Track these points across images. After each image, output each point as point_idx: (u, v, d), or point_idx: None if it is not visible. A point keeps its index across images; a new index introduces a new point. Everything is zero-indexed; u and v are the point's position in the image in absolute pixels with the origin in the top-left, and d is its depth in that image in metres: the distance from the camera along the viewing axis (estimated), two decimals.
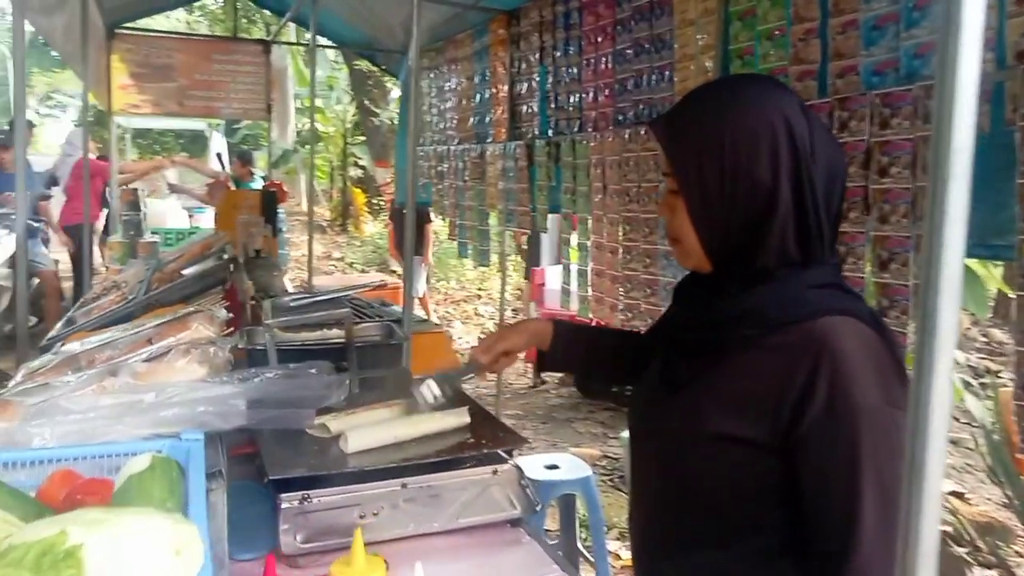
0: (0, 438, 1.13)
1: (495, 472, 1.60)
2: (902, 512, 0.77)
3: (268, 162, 7.22)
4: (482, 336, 9.67)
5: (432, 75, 5.65)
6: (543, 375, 7.38)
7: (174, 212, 9.34)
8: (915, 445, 0.76)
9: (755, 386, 1.10)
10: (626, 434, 4.71)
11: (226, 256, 3.12)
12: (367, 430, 1.58)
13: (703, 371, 1.17)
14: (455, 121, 5.25)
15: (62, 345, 1.99)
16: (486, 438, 1.67)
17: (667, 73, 3.21)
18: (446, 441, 1.67)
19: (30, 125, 7.33)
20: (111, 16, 5.76)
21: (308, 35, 6.65)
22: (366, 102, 12.88)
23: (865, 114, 2.23)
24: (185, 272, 3.02)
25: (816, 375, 1.04)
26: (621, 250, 3.43)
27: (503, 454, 1.65)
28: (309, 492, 1.48)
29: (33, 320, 6.60)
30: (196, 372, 1.45)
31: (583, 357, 1.66)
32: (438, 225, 12.37)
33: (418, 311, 5.53)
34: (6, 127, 6.81)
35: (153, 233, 7.25)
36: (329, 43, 7.07)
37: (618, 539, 4.40)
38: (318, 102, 16.11)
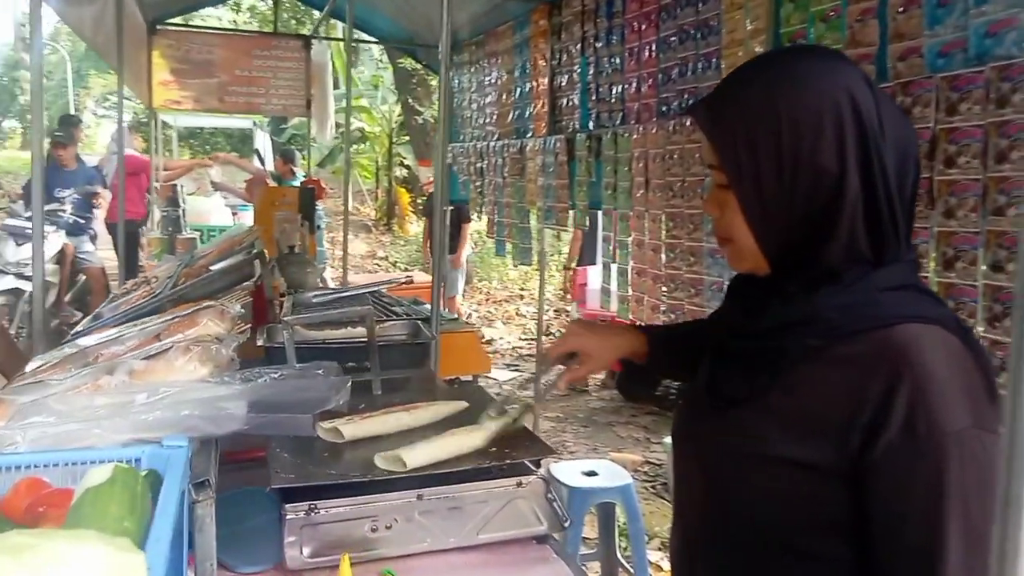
0: None
1: (520, 484, 1.47)
2: (993, 552, 0.66)
3: (308, 158, 7.19)
4: (523, 316, 9.55)
5: (472, 69, 5.54)
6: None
7: (218, 210, 9.40)
8: (1010, 473, 0.64)
9: (819, 404, 0.96)
10: (670, 439, 4.43)
11: (255, 251, 3.03)
12: (424, 445, 1.45)
13: (758, 385, 1.02)
14: (495, 116, 5.14)
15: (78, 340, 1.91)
16: (510, 447, 1.54)
17: (714, 60, 3.05)
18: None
19: (77, 122, 7.44)
20: (152, 12, 5.79)
21: (355, 33, 6.62)
22: (410, 100, 12.84)
23: (930, 99, 2.05)
24: (213, 268, 2.94)
25: (893, 392, 0.90)
26: (664, 248, 3.28)
27: (529, 464, 1.51)
28: (316, 502, 1.37)
29: (78, 316, 6.67)
30: (197, 371, 1.34)
31: (689, 364, 1.32)
32: (478, 224, 12.31)
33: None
34: (57, 130, 6.88)
35: (195, 230, 7.30)
36: (369, 38, 7.01)
37: (659, 549, 4.23)
38: (364, 102, 16.20)
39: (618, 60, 3.70)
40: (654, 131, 3.32)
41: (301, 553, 1.36)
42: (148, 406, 1.06)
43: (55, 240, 6.61)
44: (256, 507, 1.56)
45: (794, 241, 0.99)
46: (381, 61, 17.30)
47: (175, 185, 6.96)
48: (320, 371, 1.27)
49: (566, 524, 1.51)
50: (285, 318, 1.95)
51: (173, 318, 1.71)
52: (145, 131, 7.85)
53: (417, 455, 1.43)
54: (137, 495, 0.79)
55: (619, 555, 3.72)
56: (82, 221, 6.81)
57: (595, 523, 3.78)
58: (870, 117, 0.95)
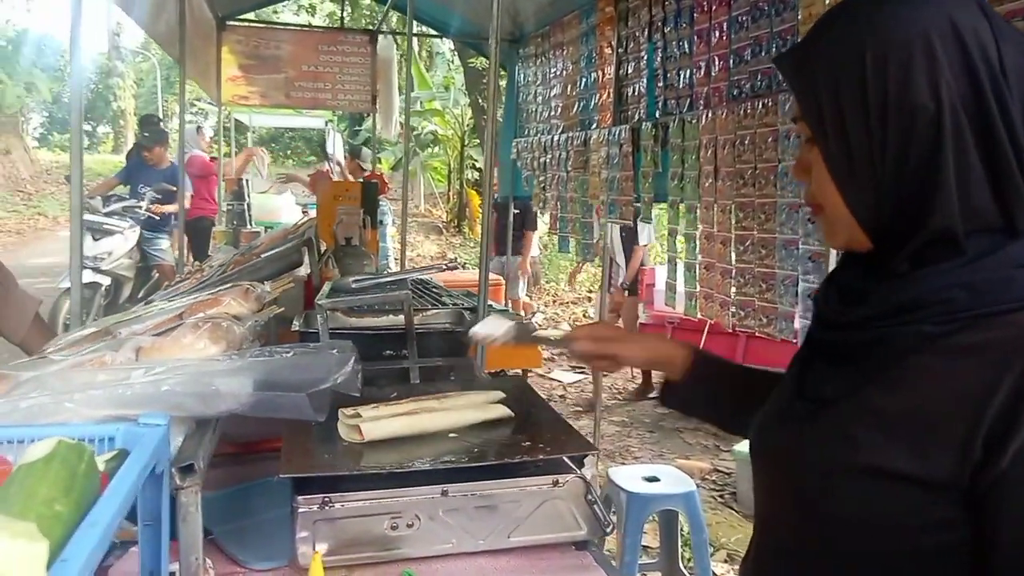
0: None
1: (556, 483, 1.32)
2: None
3: (374, 159, 7.18)
4: (591, 319, 9.36)
5: (538, 62, 5.41)
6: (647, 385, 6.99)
7: (287, 207, 9.51)
8: None
9: (935, 404, 0.78)
10: (741, 447, 4.21)
11: (304, 238, 2.97)
12: (386, 420, 1.34)
13: (857, 382, 0.84)
14: (559, 108, 4.99)
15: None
16: (546, 441, 1.39)
17: (790, 38, 2.84)
18: (495, 441, 1.40)
19: (157, 121, 7.62)
20: (223, 9, 5.85)
21: (419, 27, 6.58)
22: (480, 100, 12.80)
23: None
24: (263, 255, 2.89)
25: None
26: (734, 240, 3.07)
27: (568, 462, 1.36)
28: (331, 495, 1.25)
29: None
30: (207, 349, 1.24)
31: (727, 401, 1.21)
32: (544, 222, 12.15)
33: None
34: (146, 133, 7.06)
35: (262, 227, 7.37)
36: (433, 33, 6.95)
37: (726, 561, 4.01)
38: (437, 104, 16.28)
39: (686, 43, 3.52)
40: (724, 116, 3.13)
41: (314, 551, 1.24)
42: (134, 382, 0.96)
43: (131, 236, 6.76)
44: (274, 499, 1.46)
45: (890, 204, 0.82)
46: (452, 63, 17.36)
47: (240, 180, 7.05)
48: (334, 351, 1.15)
49: (608, 529, 1.35)
50: (319, 302, 1.85)
51: (197, 298, 1.62)
52: (225, 136, 8.01)
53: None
54: (78, 475, 0.68)
55: (682, 566, 3.52)
56: (157, 218, 6.94)
57: (658, 531, 3.61)
58: (981, 46, 0.78)
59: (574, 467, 1.36)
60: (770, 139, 2.85)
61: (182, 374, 0.98)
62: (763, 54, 2.98)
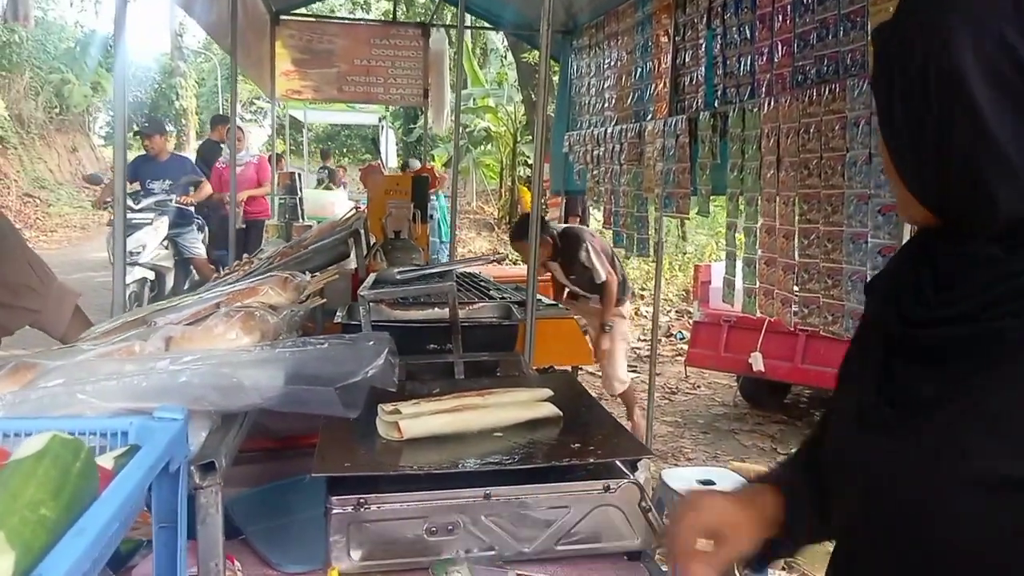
0: None
1: (608, 488, 1.22)
2: None
3: (424, 154, 7.14)
4: (644, 317, 9.19)
5: (592, 53, 5.29)
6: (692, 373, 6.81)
7: (340, 202, 9.55)
8: None
9: None
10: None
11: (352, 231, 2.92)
12: (427, 417, 1.26)
13: (958, 383, 0.74)
14: (613, 100, 4.87)
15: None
16: (597, 443, 1.29)
17: (859, 19, 2.68)
18: (542, 442, 1.31)
19: (225, 121, 7.70)
20: (277, 3, 5.86)
21: (472, 20, 6.51)
22: (532, 96, 12.69)
23: None
24: (310, 247, 2.85)
25: None
26: (797, 234, 2.92)
27: (621, 466, 1.26)
28: (366, 496, 1.17)
29: None
30: (239, 340, 1.18)
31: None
32: (595, 219, 11.96)
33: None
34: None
35: (318, 222, 7.40)
36: (485, 25, 6.87)
37: (783, 569, 3.84)
38: (490, 102, 16.23)
39: (748, 29, 3.37)
40: (788, 104, 2.98)
41: (348, 555, 1.17)
42: (156, 371, 0.90)
43: (160, 227, 6.81)
44: (311, 498, 1.39)
45: (946, 184, 0.75)
46: (506, 58, 17.28)
47: (293, 173, 7.07)
48: (370, 343, 1.07)
49: (664, 539, 1.25)
50: (362, 292, 1.78)
51: (234, 287, 1.57)
52: (280, 134, 8.06)
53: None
54: (72, 474, 0.61)
55: (737, 573, 3.37)
56: (187, 211, 7.03)
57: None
58: None
59: (627, 471, 1.26)
60: (837, 127, 2.70)
61: (203, 365, 0.91)
62: (830, 37, 2.82)
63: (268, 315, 1.22)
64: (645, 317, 10.01)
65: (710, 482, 3.21)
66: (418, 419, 1.31)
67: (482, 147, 17.93)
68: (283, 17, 6.05)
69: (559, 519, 1.22)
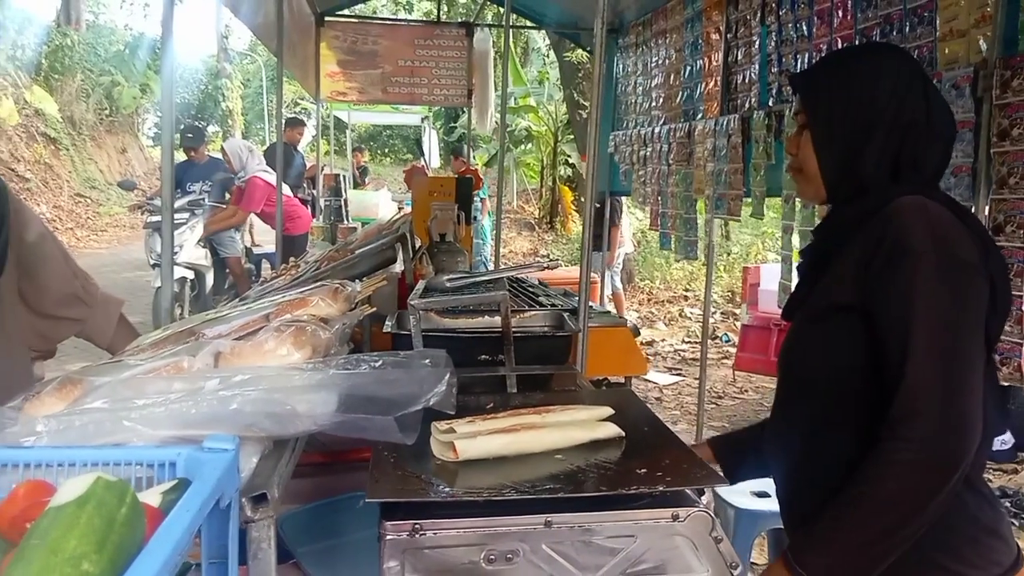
0: (13, 431, 0.85)
1: (677, 517, 1.15)
2: None
3: (470, 153, 7.09)
4: (687, 318, 9.03)
5: (639, 51, 5.19)
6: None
7: (384, 204, 9.55)
8: None
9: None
10: None
11: (399, 235, 2.88)
12: (484, 438, 1.20)
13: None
14: (660, 99, 4.77)
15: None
16: (665, 469, 1.22)
17: (927, 14, 2.56)
18: (605, 466, 1.24)
19: (297, 124, 7.71)
20: (322, 4, 5.86)
21: (516, 18, 6.44)
22: (575, 95, 12.58)
23: None
24: (357, 251, 2.82)
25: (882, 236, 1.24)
26: None
27: (691, 494, 1.19)
28: (422, 522, 1.11)
29: (224, 301, 6.94)
30: (290, 356, 1.13)
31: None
32: (638, 221, 11.82)
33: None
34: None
35: (362, 224, 7.40)
36: (529, 24, 6.79)
37: None
38: (531, 101, 16.16)
39: (805, 26, 3.26)
40: None
41: None
42: (203, 396, 0.85)
43: (196, 227, 6.87)
44: (362, 517, 1.34)
45: (842, 169, 1.36)
46: (548, 57, 17.19)
47: (338, 175, 7.07)
48: (427, 361, 1.02)
49: (736, 571, 1.17)
50: (412, 302, 1.72)
51: (284, 298, 1.52)
52: (325, 135, 8.07)
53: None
54: (116, 523, 0.56)
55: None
56: (221, 207, 7.08)
57: (764, 548, 3.37)
58: (905, 93, 1.33)
59: (697, 499, 1.18)
60: None
61: (255, 390, 0.86)
62: (895, 33, 2.71)
63: (320, 329, 1.17)
64: (689, 319, 9.86)
65: (765, 494, 3.11)
66: (474, 440, 1.25)
67: (523, 147, 17.87)
68: (328, 18, 6.05)
69: (625, 548, 1.15)
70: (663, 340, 8.73)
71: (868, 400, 1.24)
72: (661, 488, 1.15)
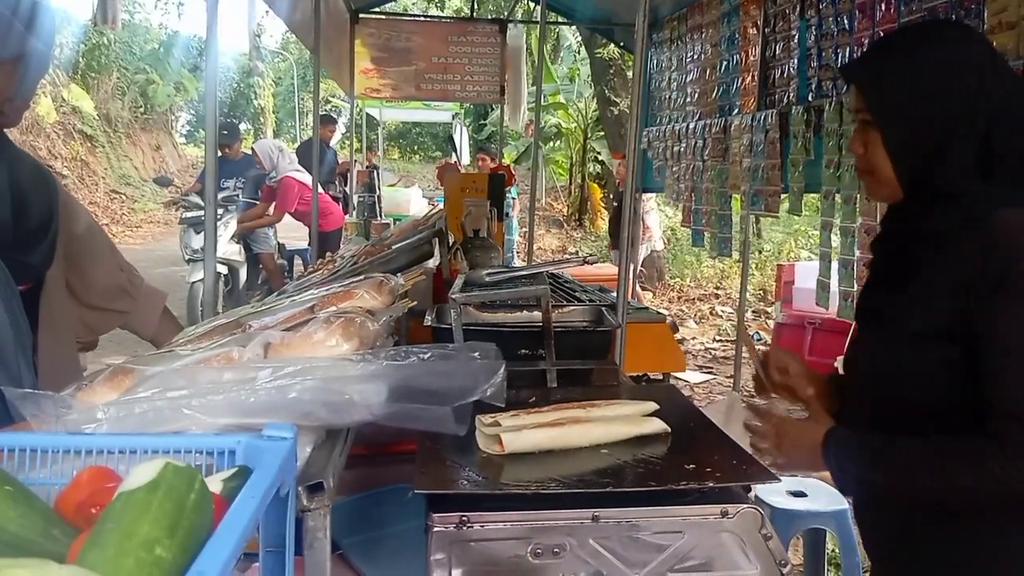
0: (73, 418, 0.87)
1: (725, 514, 1.14)
2: None
3: (501, 151, 7.09)
4: (718, 316, 8.98)
5: (673, 47, 5.15)
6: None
7: (415, 200, 9.60)
8: None
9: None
10: None
11: (435, 230, 2.89)
12: (529, 432, 1.19)
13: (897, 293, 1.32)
14: (695, 94, 4.73)
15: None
16: (714, 465, 1.20)
17: (974, 7, 2.51)
18: (652, 461, 1.23)
19: (331, 121, 7.80)
20: (358, 1, 5.89)
21: (550, 14, 6.41)
22: (606, 91, 12.52)
23: None
24: (393, 246, 2.83)
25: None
26: None
27: (740, 490, 1.17)
28: (469, 514, 1.11)
29: (258, 296, 7.03)
30: (339, 347, 1.13)
31: None
32: (669, 220, 11.73)
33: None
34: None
35: (395, 220, 7.44)
36: (562, 20, 6.77)
37: None
38: (560, 98, 16.12)
39: (846, 19, 3.21)
40: None
41: (450, 575, 1.11)
42: (259, 384, 0.85)
43: (230, 223, 6.93)
44: (406, 508, 1.34)
45: (919, 171, 1.23)
46: (579, 54, 17.13)
47: (372, 171, 7.11)
48: (476, 353, 1.01)
49: (785, 569, 1.16)
50: (453, 296, 1.73)
51: (329, 290, 1.53)
52: (356, 132, 8.13)
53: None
54: (187, 508, 0.56)
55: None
56: (255, 203, 7.14)
57: (799, 549, 3.33)
58: (986, 78, 1.19)
59: (746, 496, 1.17)
60: None
61: (311, 379, 0.86)
62: None
63: (368, 321, 1.17)
64: (720, 317, 9.78)
65: (802, 494, 3.08)
66: (520, 433, 1.25)
67: (551, 144, 17.85)
68: (362, 15, 6.08)
69: (672, 544, 1.14)
70: (694, 338, 8.66)
71: (957, 425, 1.18)
72: (711, 484, 1.13)
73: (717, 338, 8.79)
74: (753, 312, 9.66)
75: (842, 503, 3.11)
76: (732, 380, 4.94)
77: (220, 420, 0.82)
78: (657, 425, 1.32)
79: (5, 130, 1.54)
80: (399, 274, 1.75)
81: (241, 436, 0.77)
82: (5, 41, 1.33)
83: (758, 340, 8.44)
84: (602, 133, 15.36)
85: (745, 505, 1.14)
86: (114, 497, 0.57)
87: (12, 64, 1.38)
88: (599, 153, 16.26)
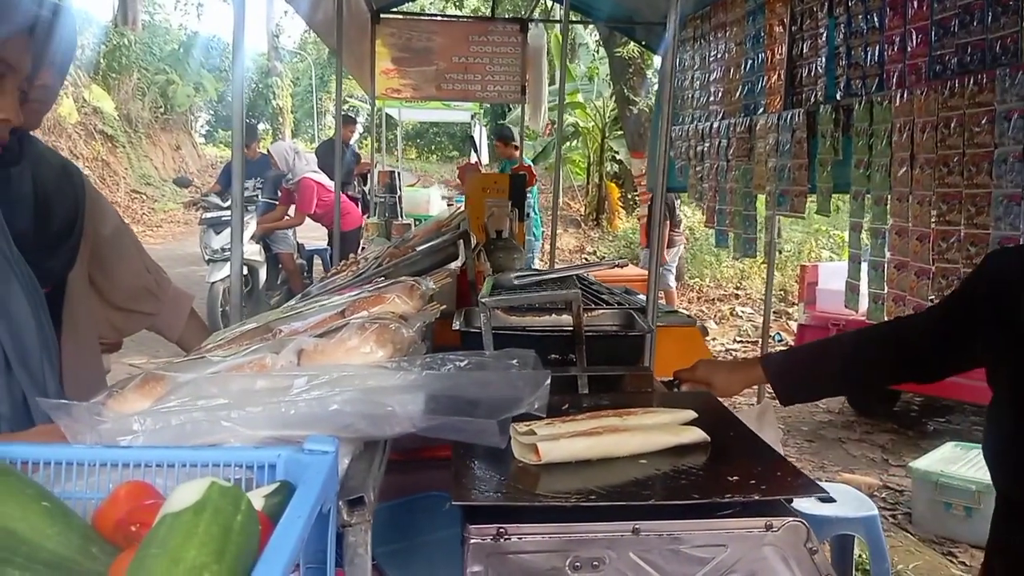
0: (107, 428, 0.85)
1: (770, 527, 1.10)
2: None
3: (521, 149, 7.06)
4: (739, 316, 8.90)
5: (696, 45, 5.10)
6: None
7: (434, 200, 9.59)
8: None
9: None
10: (918, 463, 4.24)
11: (460, 231, 2.86)
12: (566, 441, 1.17)
13: None
14: (719, 93, 4.68)
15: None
16: (757, 477, 1.17)
17: (1012, 4, 2.45)
18: (693, 472, 1.20)
19: (351, 122, 7.84)
20: (379, 1, 5.87)
21: (571, 13, 6.37)
22: (625, 91, 12.47)
23: None
24: (418, 248, 2.80)
25: None
26: (933, 236, 2.71)
27: (783, 502, 1.14)
28: (506, 526, 1.09)
29: (277, 296, 7.08)
30: (374, 353, 1.11)
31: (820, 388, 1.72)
32: (690, 220, 11.67)
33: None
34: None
35: (415, 220, 7.44)
36: (586, 18, 6.73)
37: None
38: (579, 97, 16.08)
39: (876, 17, 3.15)
40: (923, 96, 2.76)
41: None
42: (298, 395, 0.83)
43: (249, 223, 6.94)
44: (440, 517, 1.32)
45: None
46: (597, 53, 17.08)
47: (392, 172, 7.10)
48: (514, 361, 0.99)
49: None
50: (483, 299, 1.70)
51: (359, 294, 1.51)
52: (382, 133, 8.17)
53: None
54: (234, 530, 0.54)
55: None
56: (273, 204, 7.16)
57: (827, 555, 3.28)
58: None
59: (791, 508, 1.13)
60: (984, 120, 2.48)
61: (350, 390, 0.84)
62: (975, 24, 2.60)
63: (402, 327, 1.15)
64: (740, 317, 9.71)
65: (830, 499, 3.03)
66: (557, 442, 1.22)
67: (569, 143, 17.82)
68: (383, 15, 6.07)
69: (715, 558, 1.11)
70: (714, 339, 8.61)
71: None
72: (757, 497, 1.10)
73: (738, 339, 8.73)
74: (774, 313, 9.58)
75: (872, 509, 3.06)
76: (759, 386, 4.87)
77: (260, 432, 0.80)
78: (697, 434, 1.28)
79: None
80: (426, 276, 1.73)
81: (282, 450, 0.75)
82: (12, 11, 1.26)
83: (779, 341, 8.37)
84: (620, 132, 15.29)
85: (790, 518, 1.11)
86: (157, 519, 0.55)
87: (25, 38, 1.30)
88: (617, 152, 16.20)
